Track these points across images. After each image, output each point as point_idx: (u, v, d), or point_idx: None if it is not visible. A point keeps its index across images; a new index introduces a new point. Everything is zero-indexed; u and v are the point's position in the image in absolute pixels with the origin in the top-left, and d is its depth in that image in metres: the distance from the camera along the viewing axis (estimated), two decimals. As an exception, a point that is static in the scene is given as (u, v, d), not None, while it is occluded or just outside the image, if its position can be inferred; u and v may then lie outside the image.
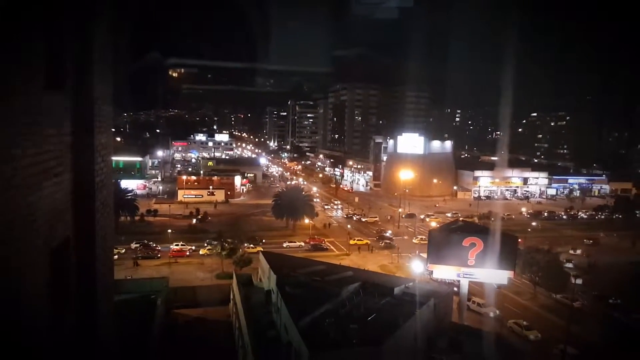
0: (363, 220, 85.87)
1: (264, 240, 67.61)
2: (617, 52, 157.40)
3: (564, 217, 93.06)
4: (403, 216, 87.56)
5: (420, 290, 35.75)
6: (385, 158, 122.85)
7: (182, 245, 63.08)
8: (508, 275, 35.55)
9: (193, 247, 63.12)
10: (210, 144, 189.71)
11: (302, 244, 67.37)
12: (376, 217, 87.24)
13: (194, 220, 78.94)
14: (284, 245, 66.70)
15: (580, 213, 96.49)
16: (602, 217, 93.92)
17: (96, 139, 6.93)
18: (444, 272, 36.74)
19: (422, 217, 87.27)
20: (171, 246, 62.02)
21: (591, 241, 72.98)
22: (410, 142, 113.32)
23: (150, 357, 32.06)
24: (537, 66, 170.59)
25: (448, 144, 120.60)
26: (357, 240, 69.67)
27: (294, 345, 28.62)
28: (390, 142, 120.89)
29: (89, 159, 6.86)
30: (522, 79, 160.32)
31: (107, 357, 8.18)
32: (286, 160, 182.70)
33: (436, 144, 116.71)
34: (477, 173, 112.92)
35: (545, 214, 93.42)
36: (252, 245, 62.46)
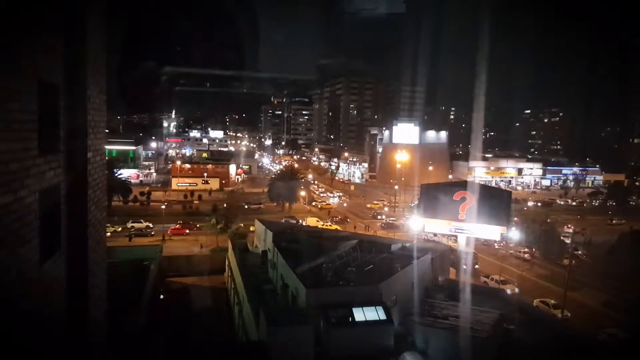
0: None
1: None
2: (610, 48, 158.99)
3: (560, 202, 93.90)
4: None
5: (417, 247, 35.62)
6: (380, 149, 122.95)
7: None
8: (501, 230, 35.14)
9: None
10: (205, 140, 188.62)
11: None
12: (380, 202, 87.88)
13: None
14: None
15: (573, 203, 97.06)
16: (596, 204, 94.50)
17: (89, 135, 7.17)
18: (436, 226, 36.51)
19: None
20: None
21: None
22: (405, 132, 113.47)
23: (142, 318, 31.55)
24: (530, 63, 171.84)
25: (443, 134, 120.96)
26: None
27: (291, 288, 28.31)
28: (386, 133, 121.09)
29: (82, 142, 7.04)
30: (516, 77, 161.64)
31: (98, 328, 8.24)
32: (281, 155, 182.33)
33: (431, 134, 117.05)
34: (472, 163, 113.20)
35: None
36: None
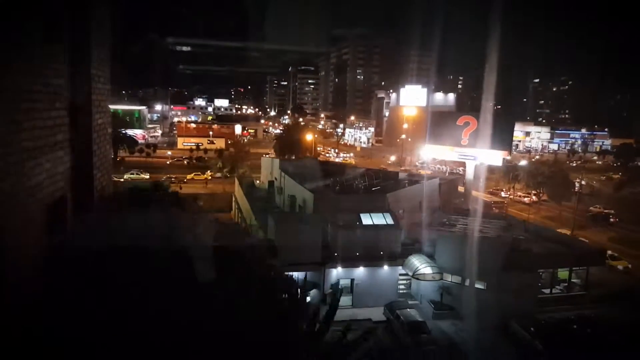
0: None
1: None
2: (619, 15, 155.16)
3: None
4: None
5: (426, 175, 35.52)
6: (387, 113, 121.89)
7: None
8: (502, 155, 34.92)
9: None
10: (210, 108, 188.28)
11: None
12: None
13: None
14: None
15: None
16: (600, 162, 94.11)
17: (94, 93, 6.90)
18: (440, 152, 36.34)
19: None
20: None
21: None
22: (413, 95, 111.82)
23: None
24: (539, 32, 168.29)
25: (451, 97, 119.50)
26: None
27: (298, 201, 28.37)
28: (393, 96, 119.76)
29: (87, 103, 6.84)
30: (525, 45, 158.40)
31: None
32: (287, 121, 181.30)
33: (439, 97, 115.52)
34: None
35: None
36: None
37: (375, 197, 26.15)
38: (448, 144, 34.96)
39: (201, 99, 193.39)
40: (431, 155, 38.01)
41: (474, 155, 34.70)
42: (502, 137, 33.67)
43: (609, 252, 35.55)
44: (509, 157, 36.32)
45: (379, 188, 30.68)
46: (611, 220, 45.67)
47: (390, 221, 24.90)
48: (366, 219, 24.81)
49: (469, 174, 36.14)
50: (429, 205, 30.87)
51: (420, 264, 23.75)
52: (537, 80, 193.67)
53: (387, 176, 35.60)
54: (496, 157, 34.40)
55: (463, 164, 38.52)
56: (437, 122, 36.05)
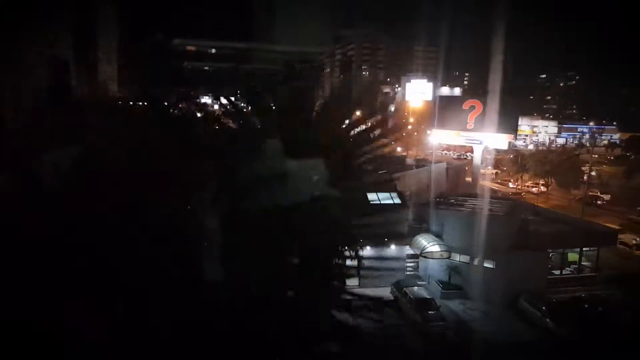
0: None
1: None
2: (627, 9, 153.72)
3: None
4: None
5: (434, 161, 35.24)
6: (392, 109, 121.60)
7: None
8: (508, 138, 34.69)
9: None
10: (216, 106, 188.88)
11: None
12: None
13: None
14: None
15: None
16: (613, 157, 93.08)
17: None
18: (446, 137, 36.21)
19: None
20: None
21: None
22: (418, 89, 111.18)
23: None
24: (545, 27, 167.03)
25: (457, 91, 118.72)
26: None
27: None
28: (398, 91, 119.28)
29: None
30: (532, 41, 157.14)
31: None
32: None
33: (445, 91, 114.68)
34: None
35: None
36: None
37: (382, 178, 25.89)
38: (455, 129, 34.79)
39: (206, 97, 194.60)
40: (439, 140, 37.76)
41: (480, 139, 34.48)
42: (508, 120, 33.47)
43: (634, 240, 34.09)
44: (514, 142, 36.04)
45: (385, 170, 30.43)
46: (598, 202, 47.91)
47: (397, 200, 24.61)
48: (372, 198, 24.49)
49: (477, 159, 35.78)
50: (436, 189, 30.61)
51: (428, 243, 23.47)
52: (543, 76, 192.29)
53: (394, 161, 35.35)
54: (502, 141, 34.30)
55: (464, 153, 38.24)
56: (444, 107, 35.87)
